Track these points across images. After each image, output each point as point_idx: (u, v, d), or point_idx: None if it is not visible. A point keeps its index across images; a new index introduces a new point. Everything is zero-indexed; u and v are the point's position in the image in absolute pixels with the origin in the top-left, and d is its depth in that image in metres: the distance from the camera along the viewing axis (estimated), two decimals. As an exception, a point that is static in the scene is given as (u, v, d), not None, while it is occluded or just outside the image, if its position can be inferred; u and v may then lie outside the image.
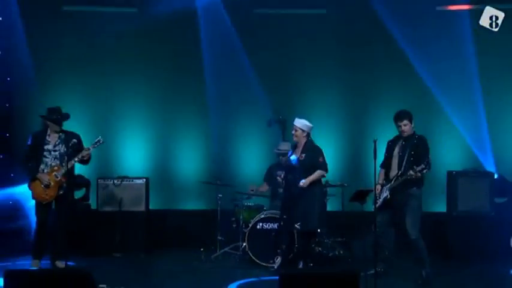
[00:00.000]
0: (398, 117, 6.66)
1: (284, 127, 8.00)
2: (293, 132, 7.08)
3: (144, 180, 8.25)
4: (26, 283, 4.19)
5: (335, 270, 6.66)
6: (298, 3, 8.74)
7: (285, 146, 7.63)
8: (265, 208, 7.77)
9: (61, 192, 6.89)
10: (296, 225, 6.89)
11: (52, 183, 6.84)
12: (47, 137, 6.98)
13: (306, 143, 7.05)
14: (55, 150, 6.95)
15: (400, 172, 6.52)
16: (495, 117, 8.57)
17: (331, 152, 8.16)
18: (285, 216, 7.02)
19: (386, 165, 6.77)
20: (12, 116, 8.66)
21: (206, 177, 8.34)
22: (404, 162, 6.50)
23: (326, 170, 7.05)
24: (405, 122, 6.63)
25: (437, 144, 8.68)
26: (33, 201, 7.01)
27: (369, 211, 6.40)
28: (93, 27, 8.85)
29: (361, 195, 6.33)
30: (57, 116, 6.95)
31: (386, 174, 6.74)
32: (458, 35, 8.59)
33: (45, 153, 6.93)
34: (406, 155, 6.51)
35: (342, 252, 7.58)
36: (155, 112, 9.10)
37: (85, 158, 6.94)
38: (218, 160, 8.86)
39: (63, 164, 6.84)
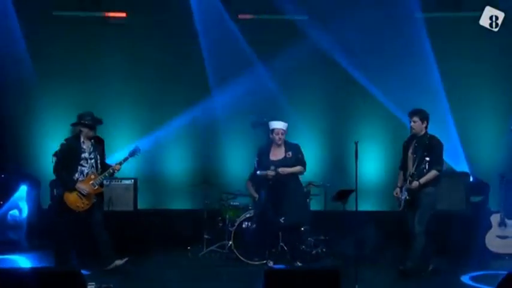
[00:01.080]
0: (411, 113, 6.71)
1: (269, 129, 8.01)
2: (279, 136, 6.97)
3: (133, 180, 8.25)
4: (14, 282, 4.15)
5: (318, 267, 6.71)
6: (281, 9, 8.78)
7: None
8: (250, 207, 7.80)
9: (95, 200, 6.65)
10: (281, 220, 6.86)
11: (90, 192, 6.59)
12: (82, 145, 6.63)
13: (285, 143, 7.07)
14: (91, 158, 6.64)
15: (412, 172, 6.54)
16: (465, 122, 8.67)
17: (313, 153, 8.24)
18: (283, 219, 6.89)
19: (404, 166, 6.76)
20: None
21: (193, 178, 8.37)
22: (417, 163, 6.52)
23: (305, 168, 7.07)
24: (415, 118, 6.63)
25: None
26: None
27: (350, 210, 6.46)
28: (83, 32, 8.84)
29: (342, 195, 6.39)
30: (93, 121, 6.65)
31: (405, 175, 6.73)
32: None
33: (82, 161, 6.58)
34: (419, 156, 6.52)
35: (324, 250, 7.63)
36: (143, 113, 9.11)
37: (115, 172, 6.74)
38: (205, 161, 8.89)
39: (98, 172, 6.63)
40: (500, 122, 8.35)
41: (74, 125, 6.77)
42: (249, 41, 8.89)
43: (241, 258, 7.30)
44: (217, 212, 7.87)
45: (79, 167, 6.58)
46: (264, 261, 7.17)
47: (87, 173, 6.63)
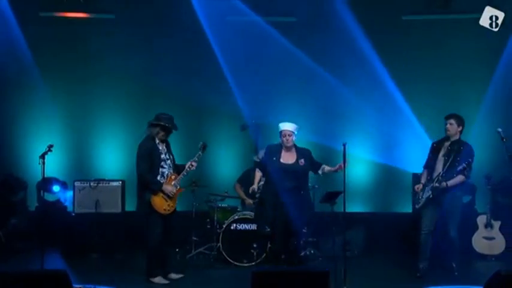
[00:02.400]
0: (448, 115, 6.79)
1: (258, 131, 8.00)
2: (286, 138, 6.72)
3: (120, 182, 8.20)
4: (1, 285, 4.11)
5: (306, 268, 6.69)
6: (269, 11, 8.78)
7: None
8: (238, 209, 7.78)
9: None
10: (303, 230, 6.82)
11: (175, 193, 6.54)
12: (158, 146, 6.55)
13: (296, 147, 6.86)
14: (167, 159, 6.57)
15: (442, 173, 6.59)
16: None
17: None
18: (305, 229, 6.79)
19: (429, 166, 6.82)
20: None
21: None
22: (447, 166, 6.58)
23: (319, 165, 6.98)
24: (451, 121, 6.72)
25: (402, 147, 8.84)
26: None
27: (338, 211, 6.45)
28: (70, 33, 8.79)
29: (331, 197, 6.39)
30: (173, 127, 6.58)
31: (429, 174, 6.79)
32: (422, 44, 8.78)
33: (162, 163, 6.50)
34: (451, 159, 6.59)
35: (312, 251, 7.63)
36: (132, 114, 9.06)
37: (191, 170, 6.64)
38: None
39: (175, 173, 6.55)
40: (486, 123, 8.39)
41: (154, 125, 6.56)
42: (237, 42, 8.88)
43: (230, 260, 7.28)
44: (205, 214, 7.84)
45: (160, 169, 6.49)
46: (253, 263, 7.15)
47: (167, 174, 6.55)
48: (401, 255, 7.72)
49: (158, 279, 6.55)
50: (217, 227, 7.53)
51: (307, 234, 7.59)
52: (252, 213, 7.38)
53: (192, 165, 6.63)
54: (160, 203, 6.47)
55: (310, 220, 6.76)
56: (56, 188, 8.53)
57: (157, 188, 6.44)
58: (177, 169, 6.67)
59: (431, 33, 8.84)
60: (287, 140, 6.73)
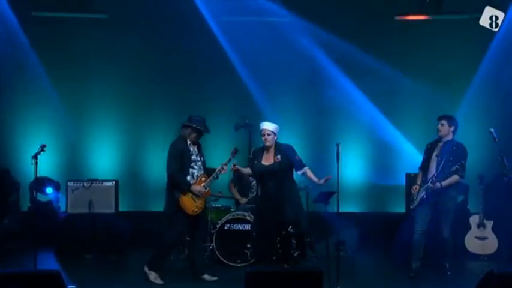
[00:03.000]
0: (440, 116, 6.81)
1: (250, 131, 8.00)
2: (265, 137, 6.57)
3: (114, 182, 8.18)
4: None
5: (300, 268, 6.68)
6: (260, 11, 8.78)
7: None
8: (232, 209, 7.78)
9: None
10: (289, 229, 6.49)
11: (204, 194, 6.56)
12: (190, 147, 6.55)
13: (276, 145, 6.69)
14: (198, 160, 6.57)
15: (436, 174, 6.61)
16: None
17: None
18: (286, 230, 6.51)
19: (424, 167, 6.85)
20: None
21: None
22: (441, 166, 6.60)
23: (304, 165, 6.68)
24: (443, 122, 6.74)
25: (396, 148, 8.86)
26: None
27: (332, 212, 6.46)
28: (63, 33, 8.76)
29: (324, 197, 6.39)
30: (205, 129, 6.60)
31: (424, 175, 6.81)
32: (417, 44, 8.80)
33: (192, 164, 6.51)
34: (444, 159, 6.61)
35: (306, 251, 7.61)
36: (125, 114, 9.07)
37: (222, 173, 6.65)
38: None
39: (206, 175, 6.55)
40: (479, 123, 8.43)
41: (186, 126, 6.57)
42: (230, 42, 8.88)
43: (223, 260, 7.27)
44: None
45: (190, 169, 6.50)
46: (246, 263, 7.14)
47: (197, 176, 6.54)
48: (394, 255, 7.73)
49: (154, 276, 6.55)
50: (211, 227, 7.52)
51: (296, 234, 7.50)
52: (246, 214, 7.37)
53: (223, 169, 6.63)
54: (189, 204, 6.49)
55: (298, 219, 6.61)
56: (48, 189, 8.51)
57: (187, 188, 6.46)
58: (207, 172, 6.68)
59: (424, 33, 8.87)
60: (266, 139, 6.58)
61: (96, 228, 7.89)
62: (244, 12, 8.76)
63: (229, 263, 7.26)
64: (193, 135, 6.57)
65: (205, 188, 6.57)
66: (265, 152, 6.65)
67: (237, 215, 7.46)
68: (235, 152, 6.72)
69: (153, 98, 9.07)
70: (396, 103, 8.96)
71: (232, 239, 7.31)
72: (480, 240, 7.77)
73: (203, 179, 6.57)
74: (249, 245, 7.15)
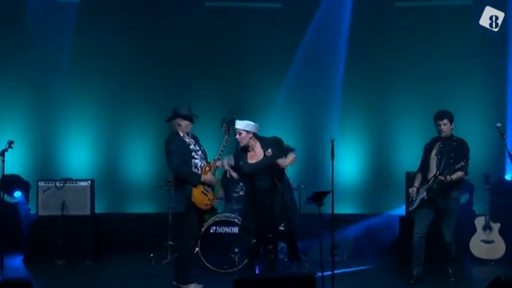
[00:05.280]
0: (439, 116, 6.75)
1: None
2: (238, 136, 6.50)
3: (89, 182, 8.13)
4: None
5: (291, 273, 6.67)
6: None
7: None
8: (218, 211, 7.74)
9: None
10: (280, 227, 6.48)
11: (215, 184, 6.52)
12: (185, 138, 6.50)
13: (260, 141, 6.59)
14: (198, 150, 6.52)
15: (438, 172, 6.60)
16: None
17: (287, 151, 8.20)
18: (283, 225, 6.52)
19: (423, 168, 6.82)
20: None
21: (156, 178, 8.27)
22: (442, 164, 6.59)
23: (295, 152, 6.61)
24: (445, 121, 6.70)
25: (396, 146, 8.89)
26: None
27: (326, 213, 6.46)
28: (41, 25, 8.71)
29: (318, 197, 6.37)
30: (192, 114, 6.53)
31: (424, 177, 6.78)
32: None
33: (192, 154, 6.45)
34: (445, 156, 6.59)
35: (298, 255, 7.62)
36: (101, 110, 9.03)
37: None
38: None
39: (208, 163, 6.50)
40: (485, 118, 8.47)
41: (171, 119, 6.53)
42: (217, 30, 8.86)
43: (209, 265, 7.24)
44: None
45: (193, 160, 6.45)
46: (234, 269, 7.12)
47: (201, 166, 6.48)
48: (393, 260, 7.75)
49: (194, 286, 6.48)
50: (195, 230, 7.48)
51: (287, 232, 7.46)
52: (233, 215, 7.34)
53: (218, 164, 6.59)
54: (201, 198, 6.43)
55: (290, 218, 6.62)
56: (17, 193, 8.48)
57: (197, 180, 6.39)
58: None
59: (423, 20, 8.89)
60: (239, 138, 6.51)
61: (69, 231, 7.84)
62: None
63: (214, 268, 7.23)
64: (184, 125, 6.52)
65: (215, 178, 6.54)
66: (247, 151, 6.57)
67: (224, 217, 7.43)
68: (232, 121, 6.57)
69: (131, 92, 9.03)
70: (396, 97, 8.99)
71: (218, 243, 7.29)
72: (486, 243, 7.79)
73: (207, 168, 6.50)
74: (236, 250, 7.13)
